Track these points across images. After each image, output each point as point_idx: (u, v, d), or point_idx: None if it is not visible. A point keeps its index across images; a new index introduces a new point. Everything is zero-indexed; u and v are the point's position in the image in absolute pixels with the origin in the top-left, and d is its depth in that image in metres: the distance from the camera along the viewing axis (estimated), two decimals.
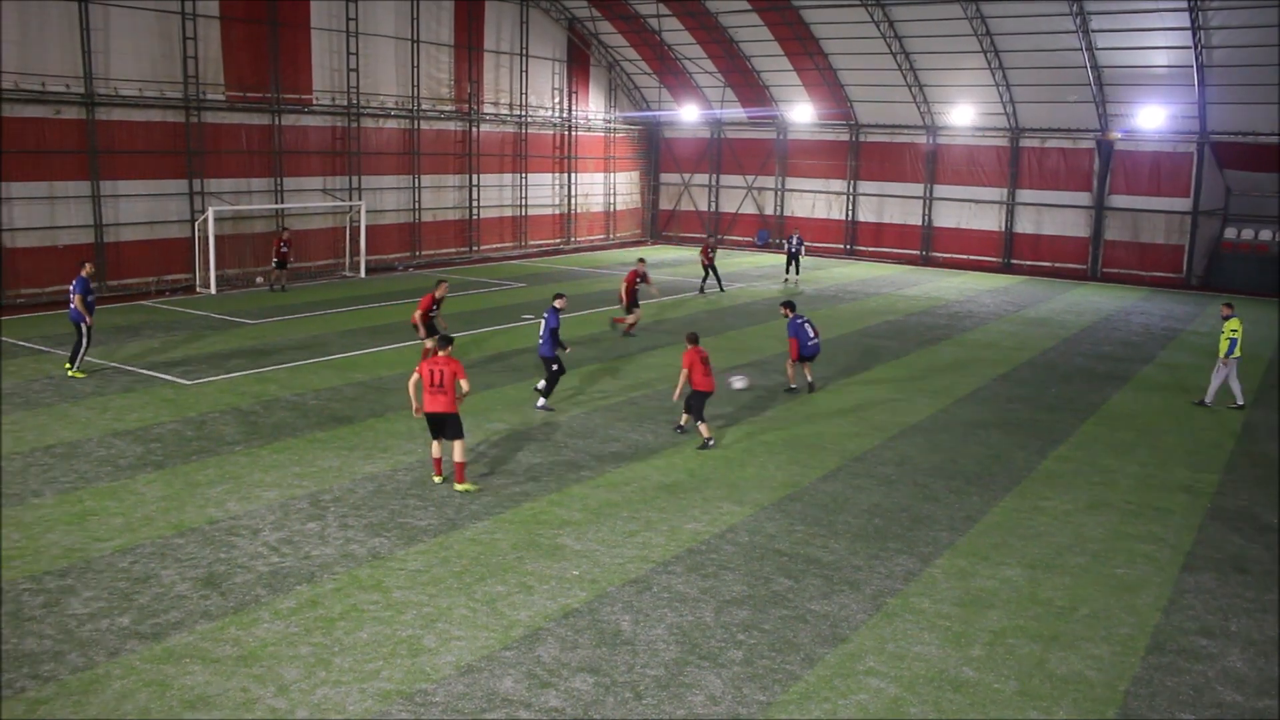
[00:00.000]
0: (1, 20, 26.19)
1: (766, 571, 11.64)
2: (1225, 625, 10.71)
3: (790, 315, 20.12)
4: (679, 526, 12.93)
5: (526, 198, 43.89)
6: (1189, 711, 9.05)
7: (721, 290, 33.24)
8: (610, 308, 28.23)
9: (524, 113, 42.94)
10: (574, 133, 46.14)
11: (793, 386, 20.19)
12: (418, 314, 20.40)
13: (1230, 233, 39.28)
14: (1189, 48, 34.42)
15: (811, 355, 20.10)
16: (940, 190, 43.85)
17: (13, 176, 26.90)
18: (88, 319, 19.36)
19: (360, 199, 35.68)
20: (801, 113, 45.19)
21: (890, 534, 12.92)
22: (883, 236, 45.43)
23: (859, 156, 45.56)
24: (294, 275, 32.47)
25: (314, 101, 34.22)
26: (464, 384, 13.75)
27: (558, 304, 18.78)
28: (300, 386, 19.35)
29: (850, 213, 46.07)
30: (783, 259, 38.24)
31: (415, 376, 13.88)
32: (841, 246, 46.07)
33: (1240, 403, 20.01)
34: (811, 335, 19.92)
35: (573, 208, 46.86)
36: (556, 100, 44.97)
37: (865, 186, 45.65)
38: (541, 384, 18.84)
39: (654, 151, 51.15)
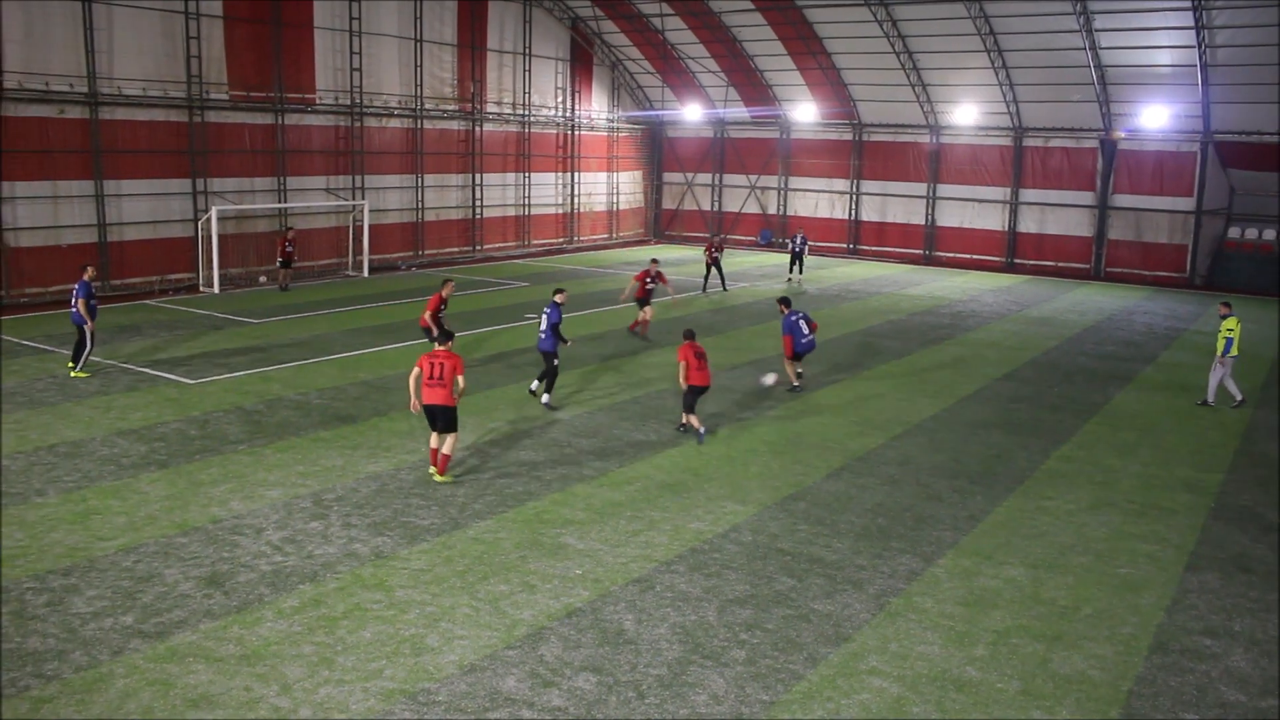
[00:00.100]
0: (6, 20, 26.25)
1: (769, 571, 11.64)
2: (1229, 625, 10.70)
3: (786, 312, 20.15)
4: (682, 526, 12.93)
5: (529, 197, 43.91)
6: (1192, 711, 9.04)
7: (725, 290, 33.25)
8: (611, 308, 28.24)
9: (527, 112, 42.95)
10: (577, 132, 46.14)
11: (795, 385, 20.19)
12: (427, 314, 20.26)
13: (1234, 232, 39.21)
14: (1192, 47, 34.36)
15: (805, 352, 20.09)
16: (943, 190, 43.82)
17: (17, 176, 26.94)
18: (89, 323, 19.39)
19: (363, 198, 35.70)
20: (805, 112, 45.16)
21: (893, 533, 12.92)
22: (886, 236, 45.41)
23: (862, 156, 45.54)
24: (297, 275, 32.51)
25: (317, 101, 34.24)
26: (461, 380, 13.97)
27: (558, 299, 18.81)
28: (303, 386, 19.37)
29: (853, 212, 46.05)
30: (785, 258, 38.22)
31: (416, 371, 14.06)
32: (845, 246, 46.04)
33: (1239, 399, 20.02)
34: (806, 332, 19.90)
35: (576, 207, 46.87)
36: (560, 100, 44.98)
37: (868, 186, 45.63)
38: (535, 385, 18.87)
39: (657, 151, 51.14)
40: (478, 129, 40.67)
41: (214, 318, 26.16)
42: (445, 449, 14.15)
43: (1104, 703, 9.10)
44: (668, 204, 51.59)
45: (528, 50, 42.56)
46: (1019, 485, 14.98)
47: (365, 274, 34.86)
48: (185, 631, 9.78)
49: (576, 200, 46.83)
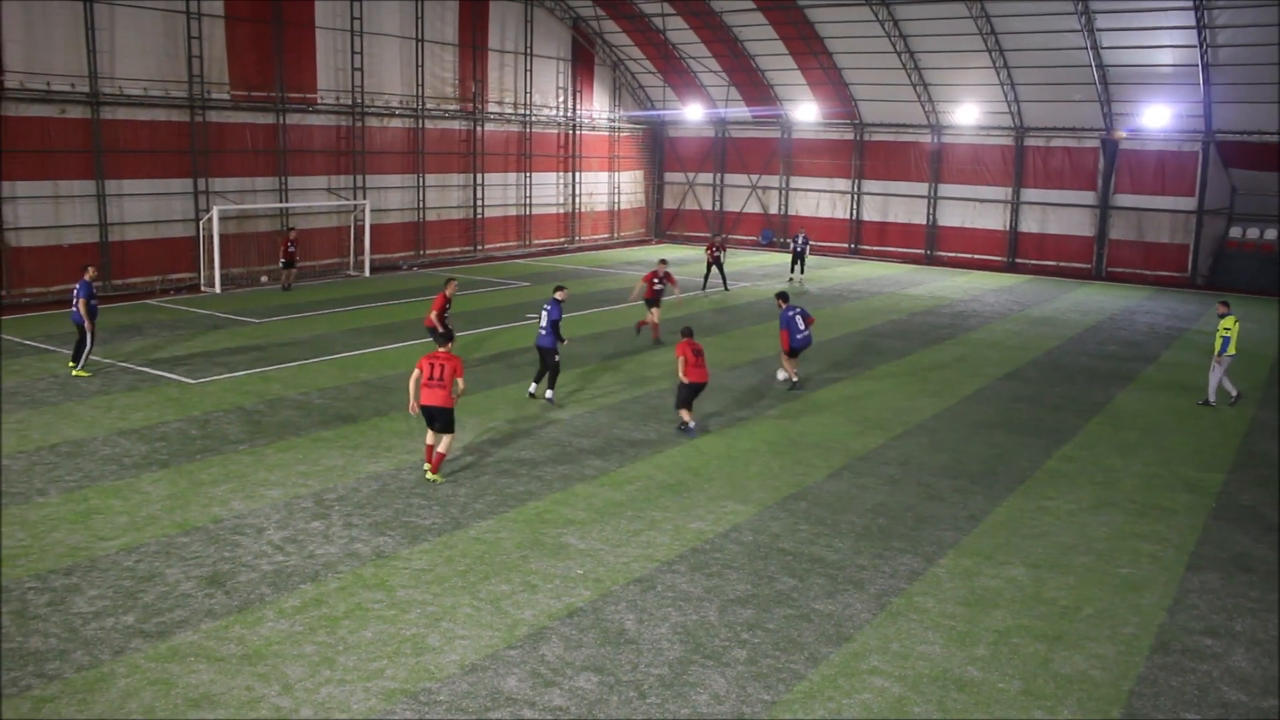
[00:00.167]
0: (7, 19, 26.27)
1: (771, 571, 11.64)
2: (1230, 625, 10.70)
3: (783, 307, 20.17)
4: (683, 525, 12.93)
5: (531, 197, 43.91)
6: (1193, 711, 9.04)
7: (726, 290, 33.25)
8: (612, 307, 28.25)
9: (528, 112, 42.96)
10: (578, 132, 46.14)
11: (794, 383, 20.19)
12: (433, 314, 20.17)
13: (1235, 232, 39.17)
14: (1194, 46, 34.34)
15: (802, 348, 20.09)
16: (945, 189, 43.80)
17: (18, 175, 26.95)
18: (88, 323, 19.42)
19: (365, 198, 35.71)
20: (806, 112, 45.14)
21: (895, 533, 12.92)
22: (887, 236, 45.39)
23: (863, 155, 45.52)
24: (298, 274, 32.49)
25: (319, 101, 34.25)
26: (461, 382, 14.05)
27: (559, 296, 18.84)
28: (304, 385, 19.38)
29: (855, 212, 46.04)
30: (787, 258, 38.20)
31: (415, 373, 14.10)
32: (846, 246, 46.02)
33: (1235, 394, 20.08)
34: (802, 328, 19.90)
35: (577, 207, 46.88)
36: (561, 99, 44.98)
37: (870, 186, 45.61)
38: (534, 387, 18.88)
39: (658, 151, 51.14)
40: (479, 129, 40.67)
41: (215, 317, 26.17)
42: (441, 448, 14.21)
43: (1105, 702, 9.10)
44: (669, 204, 51.58)
45: (529, 50, 42.56)
46: (1020, 485, 14.98)
47: (366, 274, 34.87)
48: (186, 631, 9.79)
49: (578, 200, 46.83)
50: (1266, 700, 9.28)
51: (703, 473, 15.03)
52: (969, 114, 41.13)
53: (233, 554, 11.62)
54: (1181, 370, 23.27)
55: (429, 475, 14.21)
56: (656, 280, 24.81)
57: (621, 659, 9.54)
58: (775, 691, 9.08)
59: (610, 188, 48.99)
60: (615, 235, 49.41)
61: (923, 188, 44.16)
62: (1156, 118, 37.13)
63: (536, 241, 44.61)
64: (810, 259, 38.91)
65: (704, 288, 33.03)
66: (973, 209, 43.29)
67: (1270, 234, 38.25)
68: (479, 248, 41.44)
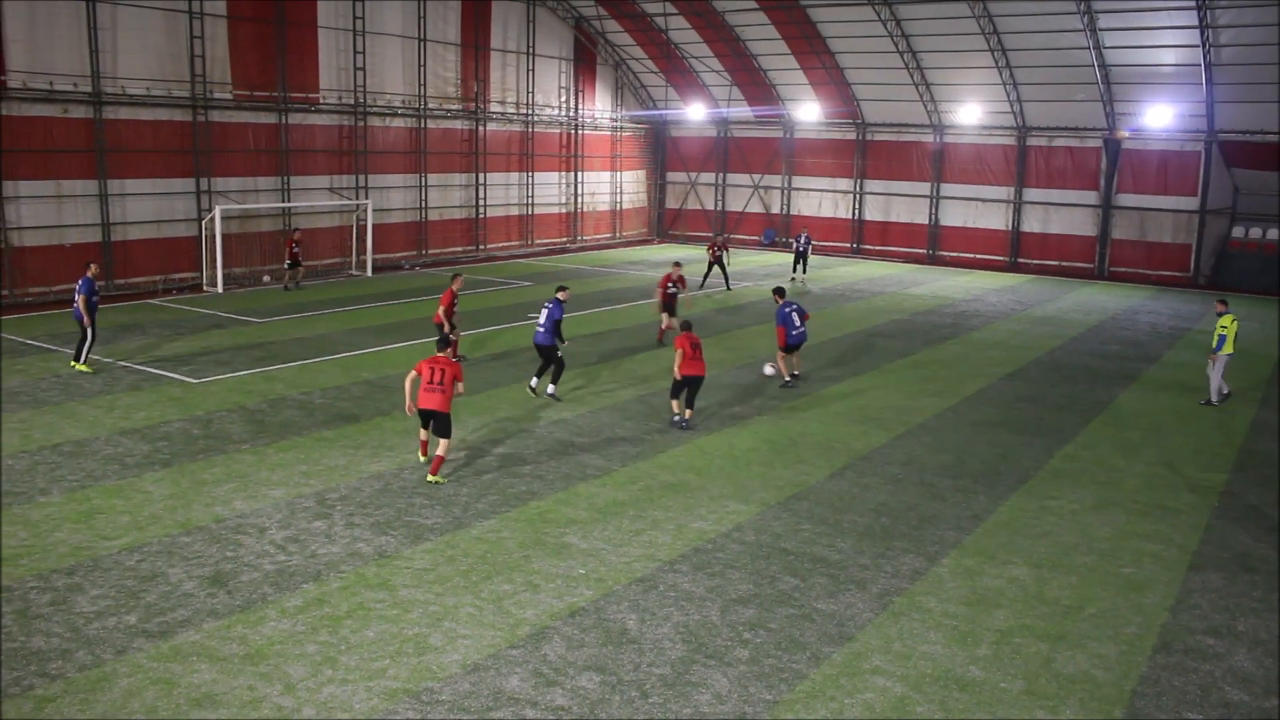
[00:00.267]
0: (10, 19, 26.29)
1: (773, 570, 11.64)
2: (1232, 625, 10.69)
3: (780, 302, 20.21)
4: (685, 525, 12.93)
5: (533, 196, 43.92)
6: (1196, 711, 9.03)
7: (728, 289, 33.24)
8: (613, 307, 28.25)
9: (530, 112, 42.95)
10: (580, 132, 46.14)
11: (787, 380, 20.21)
12: (441, 310, 20.22)
13: (1238, 231, 39.10)
14: (1197, 46, 34.30)
15: (797, 344, 20.10)
16: (947, 189, 43.78)
17: (21, 175, 26.97)
18: (88, 319, 19.47)
19: (367, 198, 35.72)
20: (808, 111, 45.11)
21: (897, 533, 12.91)
22: (889, 235, 45.36)
23: (866, 155, 45.50)
24: (303, 274, 32.52)
25: (321, 100, 34.26)
26: (460, 385, 14.28)
27: (560, 296, 18.86)
28: (307, 385, 19.39)
29: (857, 211, 46.01)
30: (789, 258, 38.19)
31: (413, 374, 14.28)
32: (848, 245, 46.00)
33: (1226, 391, 20.19)
34: (797, 324, 19.93)
35: (579, 207, 46.87)
36: (563, 99, 44.97)
37: (872, 185, 45.58)
38: (534, 382, 18.89)
39: (660, 150, 51.13)
40: (481, 128, 40.68)
41: (217, 317, 26.19)
42: (440, 451, 14.26)
43: (1107, 702, 9.09)
44: (671, 203, 51.57)
45: (531, 50, 42.56)
46: (1023, 485, 14.97)
47: (369, 273, 34.87)
48: (189, 631, 9.79)
49: (580, 200, 46.83)
50: (1269, 700, 9.27)
51: (705, 472, 15.03)
52: (971, 114, 41.09)
53: (235, 554, 11.63)
54: (1184, 370, 23.24)
55: (430, 477, 14.22)
56: (671, 283, 24.64)
57: (623, 658, 9.54)
58: (777, 691, 9.08)
59: (612, 187, 48.98)
60: (617, 235, 49.40)
61: (925, 187, 44.13)
62: (1159, 117, 37.08)
63: (538, 241, 44.61)
64: (812, 259, 38.91)
65: (701, 286, 33.04)
66: (975, 209, 43.25)
67: (1273, 234, 38.19)
68: (481, 247, 41.44)
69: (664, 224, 51.51)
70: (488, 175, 41.27)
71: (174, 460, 14.82)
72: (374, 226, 35.42)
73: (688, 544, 12.32)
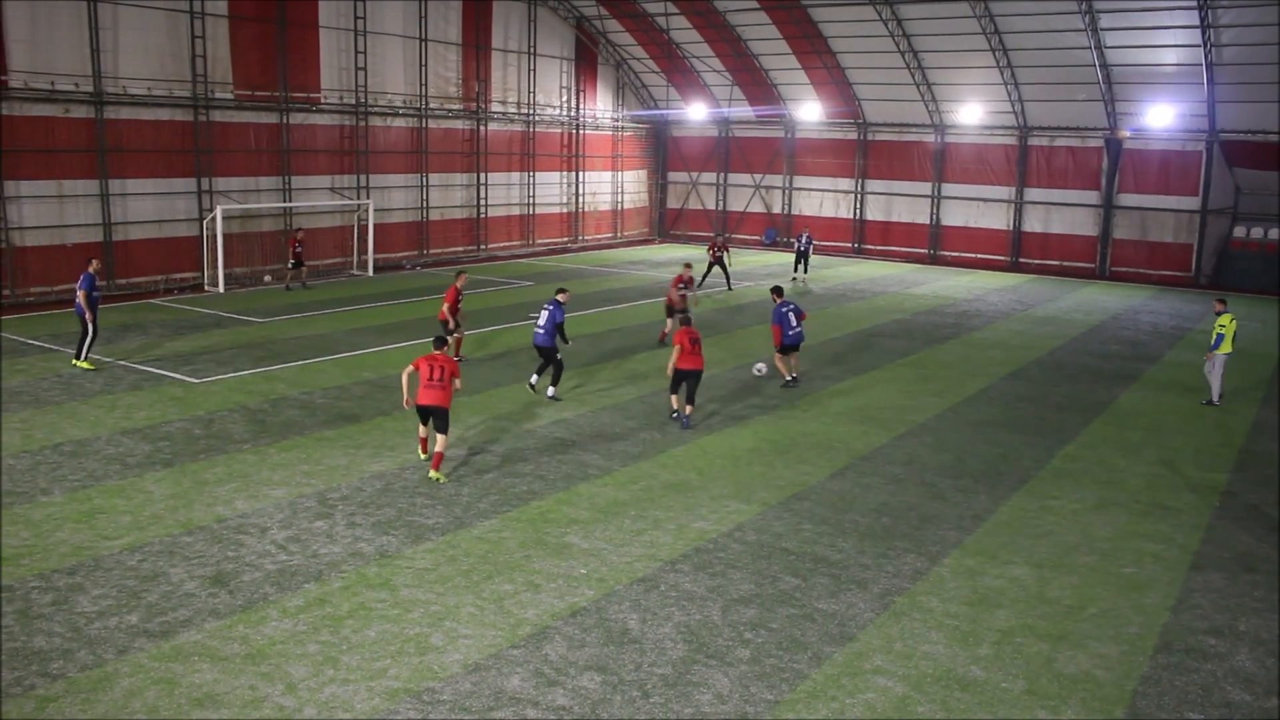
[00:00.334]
0: (11, 19, 26.30)
1: (774, 570, 11.64)
2: (1233, 624, 10.69)
3: (778, 302, 20.21)
4: (686, 525, 12.93)
5: (534, 196, 43.92)
6: (1197, 711, 9.03)
7: (730, 289, 33.24)
8: (614, 307, 28.24)
9: (532, 111, 42.95)
10: (582, 131, 46.14)
11: (787, 380, 20.21)
12: (446, 307, 20.31)
13: (1239, 231, 39.05)
14: (1198, 46, 34.29)
15: (794, 344, 20.09)
16: (948, 189, 43.77)
17: (22, 175, 26.98)
18: (89, 314, 19.53)
19: (368, 197, 35.74)
20: (809, 111, 45.10)
21: (898, 533, 12.91)
22: (890, 235, 45.35)
23: (867, 155, 45.49)
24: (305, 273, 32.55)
25: (322, 100, 34.27)
26: (458, 382, 14.39)
27: (560, 298, 18.87)
28: (308, 385, 19.40)
29: (858, 211, 46.01)
30: (790, 257, 38.19)
31: (411, 369, 14.39)
32: (849, 245, 45.99)
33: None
34: (794, 324, 19.92)
35: (580, 206, 46.88)
36: (564, 99, 44.97)
37: (873, 185, 45.57)
38: (534, 379, 18.90)
39: (661, 150, 51.13)
40: (482, 128, 40.68)
41: (219, 317, 26.20)
42: (439, 447, 14.31)
43: (1109, 702, 9.09)
44: (672, 203, 51.57)
45: (532, 49, 42.56)
46: (1024, 484, 14.97)
47: (370, 273, 34.88)
48: (190, 630, 9.80)
49: (581, 200, 46.84)
50: (1270, 700, 9.27)
51: (706, 472, 15.03)
52: (972, 113, 41.07)
53: (236, 553, 11.63)
54: (1185, 370, 23.22)
55: (432, 474, 14.25)
56: (682, 284, 24.44)
57: (625, 658, 9.54)
58: (778, 691, 9.08)
59: (613, 187, 48.98)
60: (618, 235, 49.41)
61: (926, 187, 44.12)
62: (1160, 117, 37.06)
63: (540, 241, 44.61)
64: (814, 258, 38.93)
65: (699, 285, 33.03)
66: (976, 208, 43.24)
67: (1274, 234, 38.15)
68: (482, 247, 41.45)
69: (665, 224, 51.50)
70: (489, 175, 41.28)
71: (175, 460, 14.83)
72: (375, 226, 35.44)
73: (689, 544, 12.32)
